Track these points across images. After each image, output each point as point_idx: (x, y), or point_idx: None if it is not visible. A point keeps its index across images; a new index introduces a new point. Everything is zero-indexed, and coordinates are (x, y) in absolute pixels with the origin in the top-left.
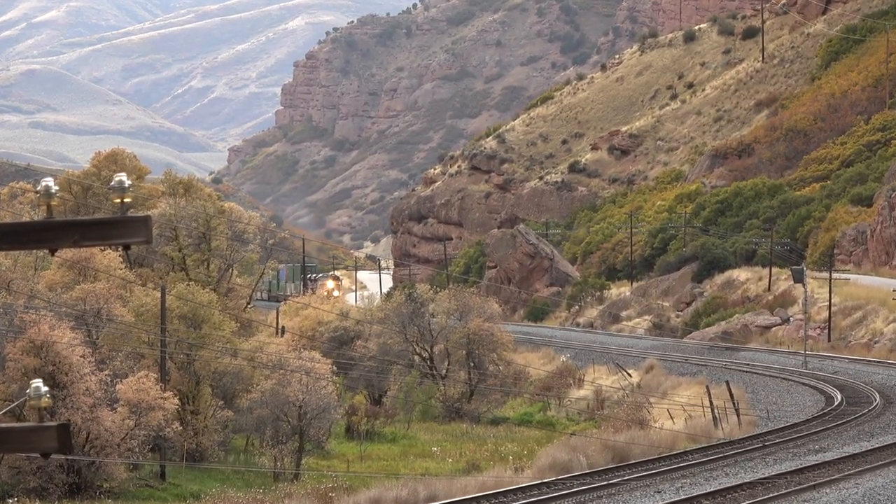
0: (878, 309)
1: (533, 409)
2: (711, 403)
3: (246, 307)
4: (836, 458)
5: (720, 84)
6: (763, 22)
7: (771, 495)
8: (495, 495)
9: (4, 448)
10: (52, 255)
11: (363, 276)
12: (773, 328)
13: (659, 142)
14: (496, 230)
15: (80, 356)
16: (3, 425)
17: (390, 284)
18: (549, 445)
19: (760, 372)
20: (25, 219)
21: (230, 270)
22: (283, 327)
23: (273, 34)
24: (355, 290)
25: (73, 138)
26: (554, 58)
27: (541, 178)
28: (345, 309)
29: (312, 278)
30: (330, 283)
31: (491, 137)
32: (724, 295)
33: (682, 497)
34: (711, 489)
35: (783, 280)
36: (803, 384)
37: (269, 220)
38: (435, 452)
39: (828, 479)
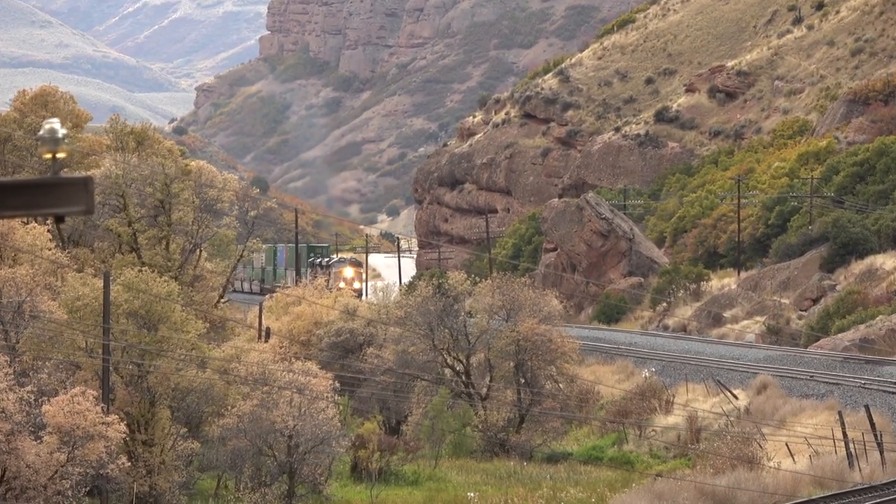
0: None
1: (604, 442)
2: (845, 436)
3: (219, 302)
4: None
5: (860, 4)
6: None
7: None
8: None
9: None
10: None
11: (377, 260)
12: None
13: (777, 82)
14: (556, 200)
15: None
16: None
17: (413, 272)
18: (626, 491)
19: None
20: None
21: (197, 252)
22: (267, 329)
23: None
24: (365, 280)
25: None
26: None
27: (617, 129)
28: (351, 305)
29: (323, 264)
30: (348, 272)
31: (550, 75)
32: (863, 289)
33: None
34: None
35: None
36: None
37: (250, 185)
38: (472, 499)
39: None
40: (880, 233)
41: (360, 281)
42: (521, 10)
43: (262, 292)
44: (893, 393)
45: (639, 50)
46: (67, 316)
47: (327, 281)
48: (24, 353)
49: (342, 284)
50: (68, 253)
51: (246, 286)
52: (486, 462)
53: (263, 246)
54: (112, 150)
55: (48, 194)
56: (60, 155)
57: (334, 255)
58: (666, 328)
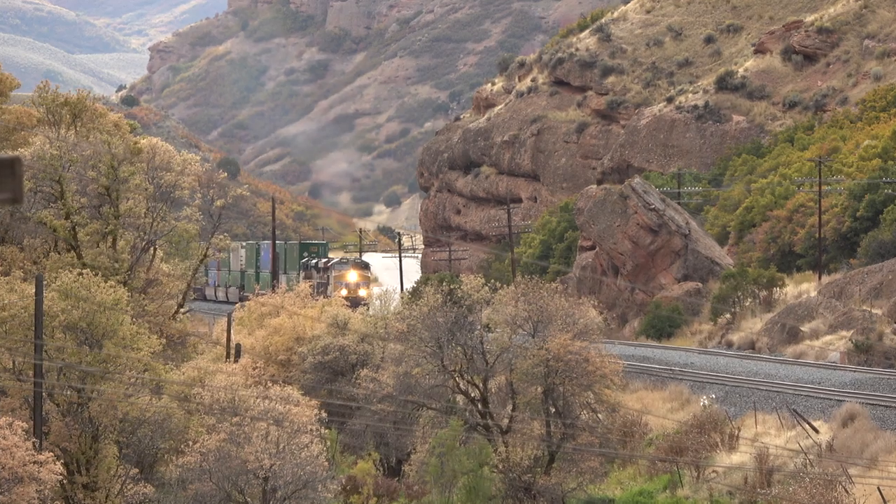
0: None
1: (654, 486)
2: None
3: (177, 312)
4: None
5: None
6: None
7: None
8: None
9: None
10: None
11: (373, 260)
12: None
13: (867, 41)
14: (594, 187)
15: None
16: None
17: (417, 275)
18: None
19: None
20: None
21: (151, 251)
22: (237, 346)
23: None
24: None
25: None
26: None
27: (670, 100)
28: (341, 316)
29: (319, 266)
30: (352, 276)
31: (587, 32)
32: None
33: None
34: None
35: None
36: None
37: (216, 168)
38: None
39: None
40: None
41: (367, 288)
42: None
43: (242, 300)
44: None
45: (696, 1)
46: None
47: (314, 286)
48: None
49: (344, 292)
50: None
51: (220, 293)
52: None
53: (243, 244)
54: (44, 124)
55: None
56: None
57: (332, 256)
58: (729, 345)
